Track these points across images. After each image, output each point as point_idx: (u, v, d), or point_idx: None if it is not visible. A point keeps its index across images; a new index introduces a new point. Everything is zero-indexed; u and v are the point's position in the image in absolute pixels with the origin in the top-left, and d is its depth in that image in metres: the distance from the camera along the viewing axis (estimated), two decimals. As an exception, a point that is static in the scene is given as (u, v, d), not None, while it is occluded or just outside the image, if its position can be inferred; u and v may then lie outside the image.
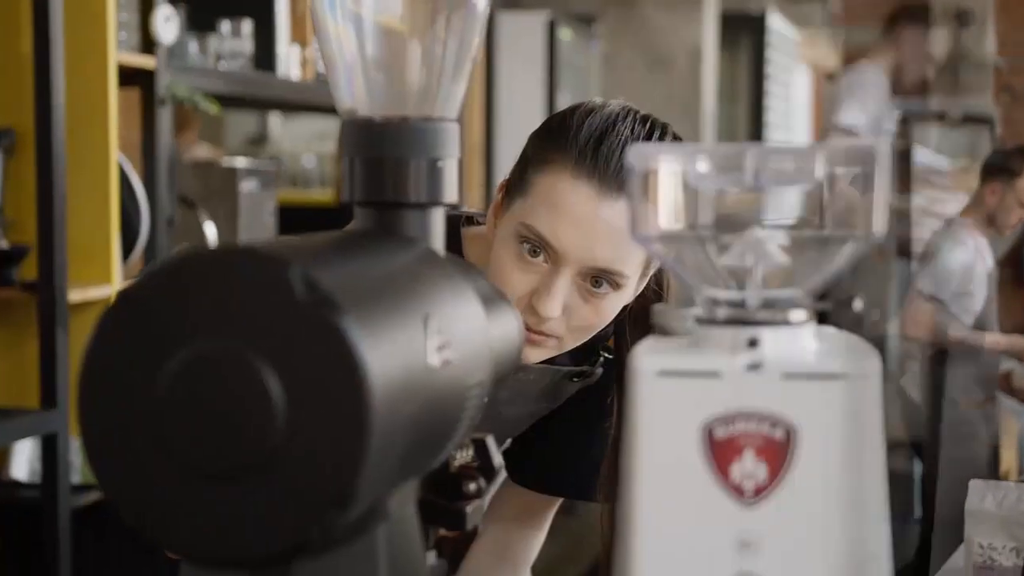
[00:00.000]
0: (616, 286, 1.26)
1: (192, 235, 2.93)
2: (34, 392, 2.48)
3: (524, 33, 4.95)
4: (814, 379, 0.65)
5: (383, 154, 0.76)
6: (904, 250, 4.76)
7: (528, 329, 1.26)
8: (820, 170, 0.66)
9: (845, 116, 4.41)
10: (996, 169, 4.34)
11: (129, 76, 2.65)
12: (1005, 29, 9.55)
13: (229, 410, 0.58)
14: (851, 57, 9.93)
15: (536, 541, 1.55)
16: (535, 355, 1.30)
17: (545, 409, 1.47)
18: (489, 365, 0.74)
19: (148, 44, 2.67)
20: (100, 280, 2.49)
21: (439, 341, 0.67)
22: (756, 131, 7.39)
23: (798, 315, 0.68)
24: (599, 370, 1.43)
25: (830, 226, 0.67)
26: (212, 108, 2.77)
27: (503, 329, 0.81)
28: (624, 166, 1.22)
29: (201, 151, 4.45)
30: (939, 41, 4.66)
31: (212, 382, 0.59)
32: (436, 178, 0.77)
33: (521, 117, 4.48)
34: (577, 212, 1.22)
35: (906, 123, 4.68)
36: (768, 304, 0.68)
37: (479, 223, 1.44)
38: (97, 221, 2.49)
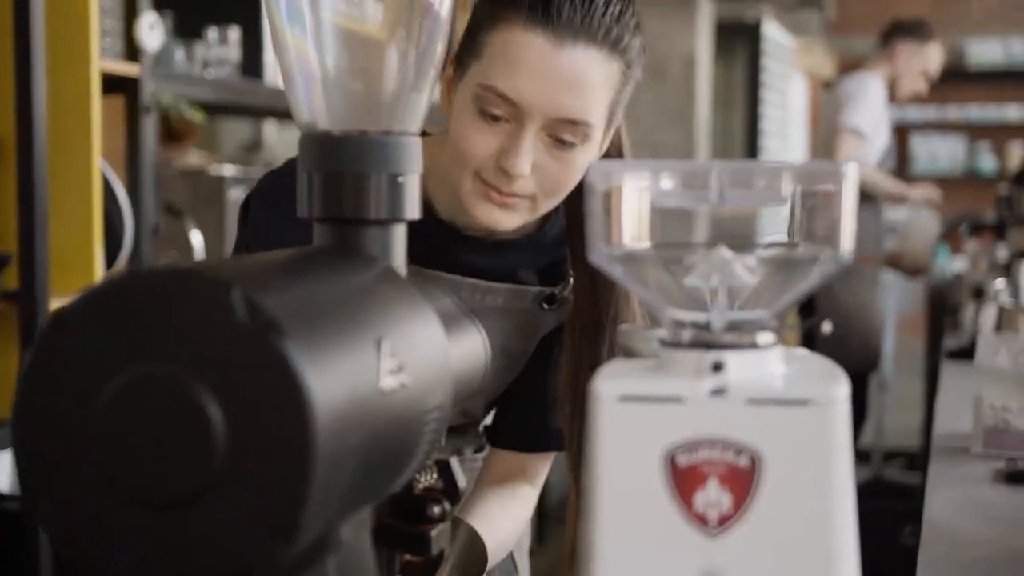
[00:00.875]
0: (583, 138, 1.25)
1: (178, 244, 2.91)
2: (16, 403, 2.45)
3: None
4: (780, 405, 0.62)
5: (342, 168, 0.74)
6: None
7: (499, 192, 1.25)
8: (787, 189, 0.63)
9: (851, 117, 4.41)
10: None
11: (113, 83, 2.62)
12: None
13: (168, 437, 0.56)
14: (846, 65, 9.94)
15: (533, 494, 1.50)
16: (509, 219, 1.28)
17: (519, 351, 1.43)
18: (449, 387, 0.72)
19: (133, 51, 2.65)
20: (83, 289, 2.46)
21: (393, 364, 0.64)
22: (751, 139, 7.38)
23: (765, 337, 0.66)
24: (570, 296, 1.40)
25: (799, 246, 0.65)
26: (197, 116, 2.75)
27: (465, 348, 0.78)
28: (577, 12, 1.21)
29: (193, 158, 4.42)
30: (935, 55, 4.65)
31: (151, 407, 0.56)
32: (397, 193, 0.75)
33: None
34: (534, 63, 1.22)
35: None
36: (734, 326, 0.66)
37: (426, 133, 1.43)
38: (80, 229, 2.46)
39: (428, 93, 0.78)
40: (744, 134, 7.41)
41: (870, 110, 4.42)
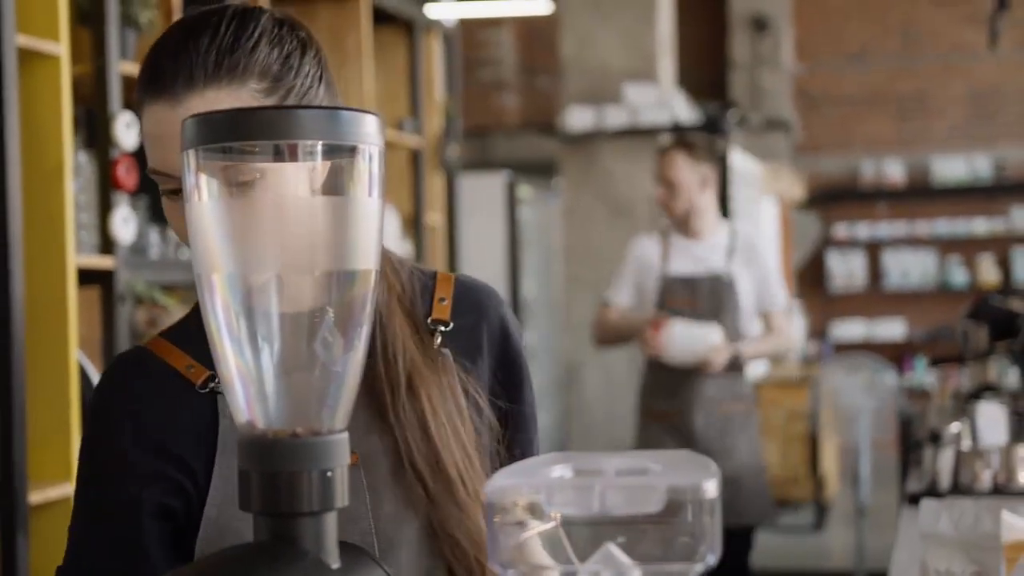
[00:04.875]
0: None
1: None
2: (-4, 601, 2.49)
3: (485, 192, 5.08)
4: None
5: (277, 469, 0.83)
6: None
7: None
8: (657, 504, 0.72)
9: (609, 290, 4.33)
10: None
11: (89, 275, 2.72)
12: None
13: None
14: (815, 185, 10.15)
15: None
16: None
17: None
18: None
19: (108, 243, 2.75)
20: (60, 478, 2.52)
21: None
22: (724, 265, 7.48)
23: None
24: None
25: (673, 549, 0.73)
26: (169, 303, 2.84)
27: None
28: (181, 67, 1.21)
29: (180, 314, 4.50)
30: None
31: None
32: (327, 487, 0.84)
33: (485, 275, 4.56)
34: (163, 129, 1.22)
35: None
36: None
37: None
38: (56, 421, 2.53)
39: (355, 387, 0.87)
40: (716, 262, 7.51)
41: (623, 277, 4.25)
